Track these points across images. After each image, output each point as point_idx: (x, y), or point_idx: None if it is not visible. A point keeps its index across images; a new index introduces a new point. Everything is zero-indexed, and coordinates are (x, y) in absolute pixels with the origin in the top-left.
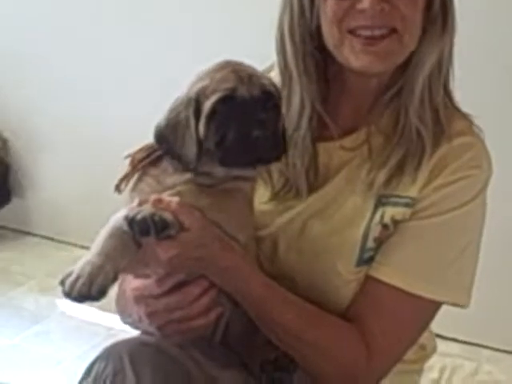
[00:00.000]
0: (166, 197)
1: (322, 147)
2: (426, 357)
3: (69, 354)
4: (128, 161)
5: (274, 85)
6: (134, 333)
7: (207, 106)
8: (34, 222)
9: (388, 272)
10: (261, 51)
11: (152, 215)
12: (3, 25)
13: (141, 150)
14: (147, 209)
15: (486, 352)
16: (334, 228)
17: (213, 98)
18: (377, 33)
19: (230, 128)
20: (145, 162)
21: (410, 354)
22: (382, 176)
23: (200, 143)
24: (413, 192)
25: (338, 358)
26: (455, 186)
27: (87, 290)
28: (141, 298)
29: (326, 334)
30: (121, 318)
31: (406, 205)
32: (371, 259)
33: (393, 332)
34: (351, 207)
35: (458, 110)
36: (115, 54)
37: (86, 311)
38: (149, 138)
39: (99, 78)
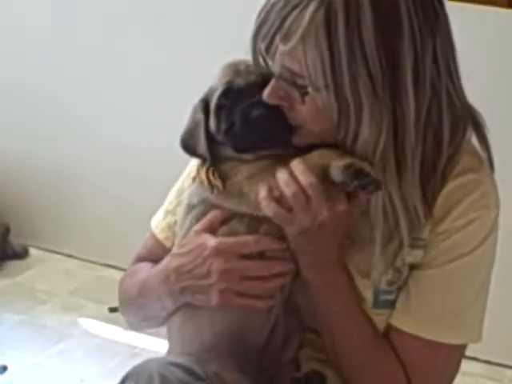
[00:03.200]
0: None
1: None
2: None
3: (92, 372)
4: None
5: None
6: (157, 352)
7: (212, 102)
8: (57, 240)
9: (410, 323)
10: None
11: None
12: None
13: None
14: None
15: (509, 372)
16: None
17: (215, 95)
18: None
19: (234, 117)
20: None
21: None
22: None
23: (213, 139)
24: (424, 233)
25: None
26: (465, 232)
27: None
28: (223, 252)
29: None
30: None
31: (416, 246)
32: (391, 303)
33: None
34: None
35: (467, 144)
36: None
37: (109, 330)
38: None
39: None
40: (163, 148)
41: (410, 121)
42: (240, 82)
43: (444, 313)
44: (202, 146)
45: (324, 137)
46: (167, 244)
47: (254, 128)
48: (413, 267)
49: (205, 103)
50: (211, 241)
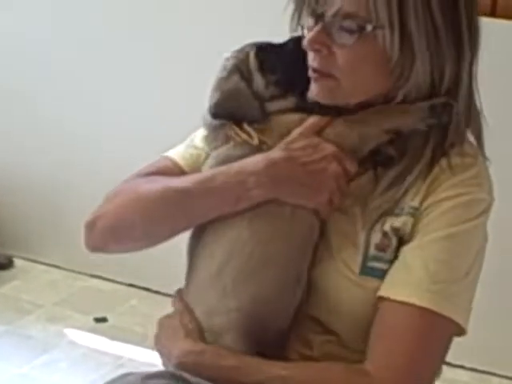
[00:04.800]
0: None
1: None
2: None
3: (77, 383)
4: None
5: None
6: (142, 362)
7: (252, 63)
8: (42, 250)
9: (390, 289)
10: None
11: None
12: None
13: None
14: None
15: (495, 380)
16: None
17: (251, 55)
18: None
19: (279, 64)
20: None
21: None
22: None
23: (261, 99)
24: (415, 202)
25: None
26: (456, 201)
27: None
28: (339, 158)
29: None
30: None
31: (407, 214)
32: (379, 272)
33: (397, 351)
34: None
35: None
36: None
37: (95, 340)
38: None
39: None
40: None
41: (463, 83)
42: (264, 43)
43: (427, 279)
44: (253, 105)
45: (349, 94)
46: (187, 170)
47: (297, 69)
48: (402, 242)
49: (239, 70)
50: (329, 145)
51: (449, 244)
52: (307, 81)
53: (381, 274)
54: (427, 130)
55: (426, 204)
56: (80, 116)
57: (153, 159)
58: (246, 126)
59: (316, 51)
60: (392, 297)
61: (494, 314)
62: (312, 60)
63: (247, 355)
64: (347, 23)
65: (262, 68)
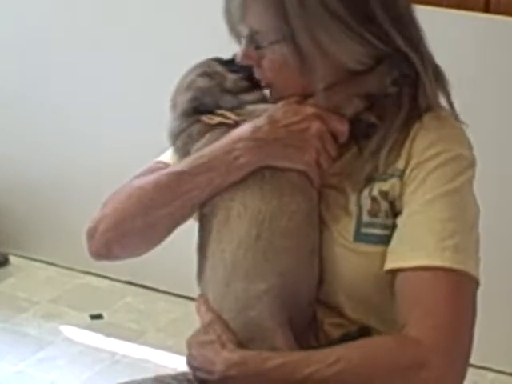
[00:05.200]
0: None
1: None
2: None
3: (73, 380)
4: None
5: None
6: (137, 358)
7: (219, 67)
8: (37, 247)
9: (400, 259)
10: None
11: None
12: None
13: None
14: None
15: (491, 375)
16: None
17: (214, 63)
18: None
19: (241, 66)
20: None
21: None
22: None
23: (233, 92)
24: (399, 165)
25: None
26: (440, 159)
27: None
28: (322, 117)
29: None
30: None
31: (394, 176)
32: (373, 238)
33: (431, 321)
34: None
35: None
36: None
37: (90, 337)
38: None
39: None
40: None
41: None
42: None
43: (437, 240)
44: (226, 97)
45: (291, 94)
46: None
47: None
48: (393, 207)
49: (205, 74)
50: (309, 107)
51: (445, 201)
52: None
53: (375, 240)
54: (398, 91)
55: (411, 166)
56: (79, 113)
57: (154, 157)
58: (219, 111)
59: (249, 64)
60: (406, 265)
61: (489, 310)
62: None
63: (289, 351)
64: (259, 39)
65: (230, 70)
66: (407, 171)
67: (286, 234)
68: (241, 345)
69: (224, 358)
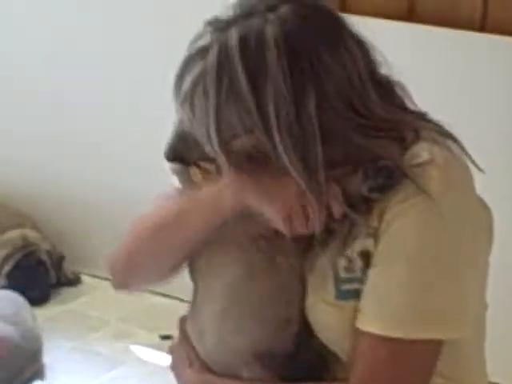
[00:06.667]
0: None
1: None
2: None
3: None
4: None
5: None
6: None
7: None
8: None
9: (363, 319)
10: None
11: None
12: None
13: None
14: None
15: None
16: None
17: None
18: None
19: None
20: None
21: None
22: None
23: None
24: (374, 222)
25: None
26: (404, 221)
27: None
28: None
29: None
30: None
31: (368, 235)
32: (354, 293)
33: (367, 379)
34: None
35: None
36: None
37: (161, 357)
38: None
39: None
40: None
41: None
42: None
43: (396, 306)
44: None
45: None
46: None
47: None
48: (365, 260)
49: None
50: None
51: (408, 268)
52: None
53: (356, 295)
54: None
55: (383, 225)
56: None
57: None
58: (202, 164)
59: None
60: (362, 328)
61: (498, 325)
62: None
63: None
64: None
65: None
66: (381, 228)
67: (257, 302)
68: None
69: (189, 375)
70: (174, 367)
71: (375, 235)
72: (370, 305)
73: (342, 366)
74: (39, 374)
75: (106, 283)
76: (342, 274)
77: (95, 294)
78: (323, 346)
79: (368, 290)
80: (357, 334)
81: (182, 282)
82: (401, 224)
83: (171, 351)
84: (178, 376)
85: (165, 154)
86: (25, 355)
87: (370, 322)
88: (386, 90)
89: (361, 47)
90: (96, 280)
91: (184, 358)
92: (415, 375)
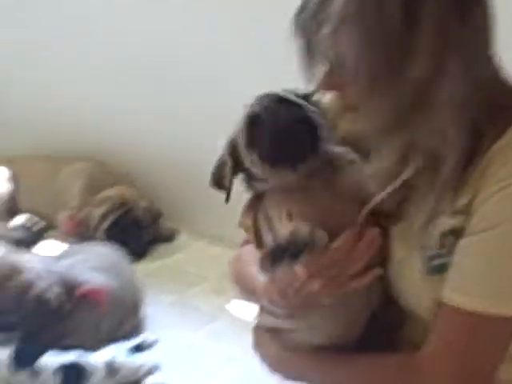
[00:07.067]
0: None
1: None
2: None
3: (239, 352)
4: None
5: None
6: None
7: (240, 138)
8: (205, 223)
9: (445, 291)
10: None
11: None
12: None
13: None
14: None
15: None
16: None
17: (242, 129)
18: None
19: (263, 140)
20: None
21: None
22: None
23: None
24: (464, 199)
25: None
26: (502, 194)
27: None
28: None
29: None
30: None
31: (459, 212)
32: (445, 267)
33: (443, 353)
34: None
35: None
36: None
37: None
38: None
39: None
40: None
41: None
42: (261, 110)
43: (479, 281)
44: (227, 180)
45: (382, 117)
46: None
47: (282, 139)
48: (457, 236)
49: (231, 144)
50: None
51: (499, 241)
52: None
53: (445, 269)
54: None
55: (477, 200)
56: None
57: None
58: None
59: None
60: (443, 299)
61: None
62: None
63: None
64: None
65: (251, 144)
66: (474, 204)
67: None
68: None
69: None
70: (257, 346)
71: (466, 213)
72: (454, 277)
73: (419, 330)
74: (138, 328)
75: (203, 240)
76: (434, 251)
77: (191, 251)
78: (403, 310)
79: (455, 262)
80: (438, 304)
81: None
82: (493, 204)
83: (253, 331)
84: (261, 355)
85: (209, 182)
86: (125, 307)
87: (452, 294)
88: None
89: None
90: (192, 236)
91: (267, 337)
92: (488, 352)
